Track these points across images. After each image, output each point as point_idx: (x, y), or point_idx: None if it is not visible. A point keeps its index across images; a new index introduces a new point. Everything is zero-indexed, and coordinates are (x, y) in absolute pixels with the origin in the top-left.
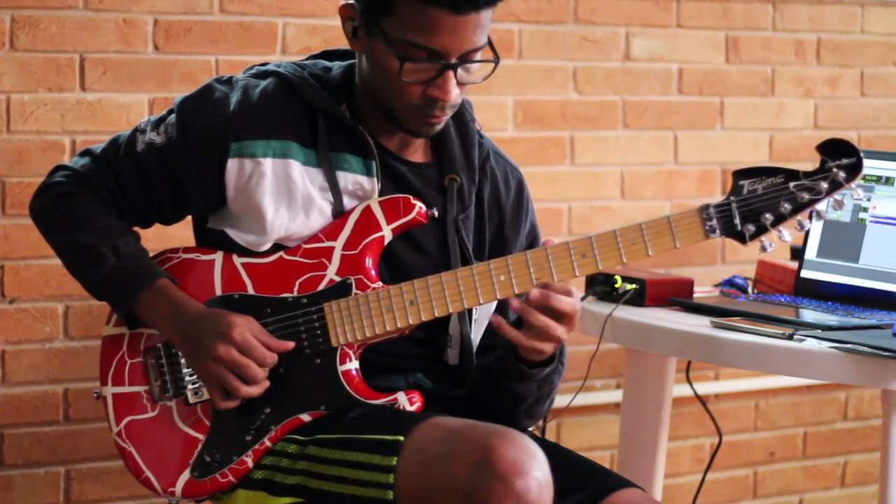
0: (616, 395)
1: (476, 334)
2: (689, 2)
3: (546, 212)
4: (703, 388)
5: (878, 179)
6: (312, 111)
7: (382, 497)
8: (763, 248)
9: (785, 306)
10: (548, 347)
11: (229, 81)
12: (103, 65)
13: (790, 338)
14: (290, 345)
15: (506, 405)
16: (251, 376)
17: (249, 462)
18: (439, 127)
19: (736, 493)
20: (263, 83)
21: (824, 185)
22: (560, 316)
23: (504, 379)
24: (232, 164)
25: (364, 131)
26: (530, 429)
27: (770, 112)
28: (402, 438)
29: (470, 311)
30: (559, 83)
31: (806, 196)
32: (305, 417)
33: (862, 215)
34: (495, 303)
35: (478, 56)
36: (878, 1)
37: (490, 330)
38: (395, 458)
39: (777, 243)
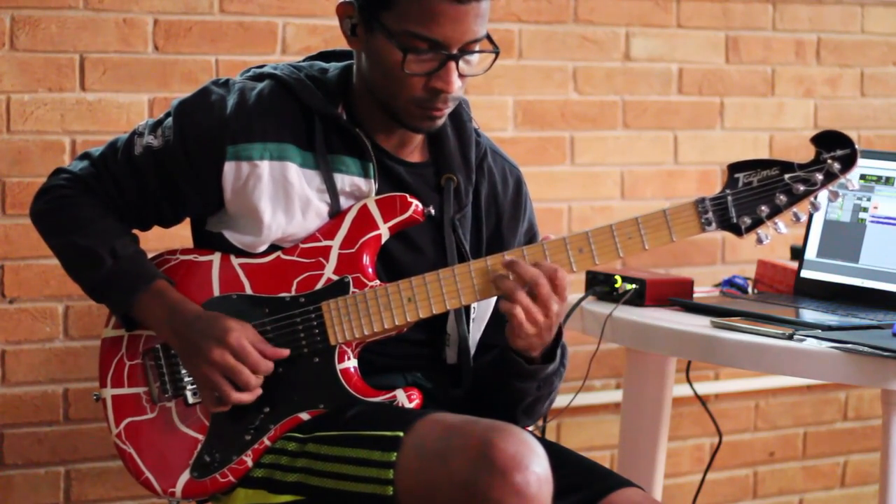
0: (616, 395)
1: (475, 333)
2: (689, 2)
3: (546, 212)
4: (703, 388)
5: (878, 179)
6: (309, 113)
7: (382, 493)
8: (759, 241)
9: (785, 306)
10: (527, 325)
11: (226, 84)
12: (103, 65)
13: (790, 338)
14: (286, 352)
15: (505, 403)
16: (244, 382)
17: (249, 461)
18: (440, 122)
19: (736, 493)
20: (260, 86)
21: (819, 176)
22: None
23: (504, 376)
24: (229, 167)
25: (361, 133)
26: (530, 428)
27: (770, 112)
28: (401, 434)
29: (468, 310)
30: (559, 83)
31: (801, 188)
32: (304, 416)
33: (862, 215)
34: (494, 302)
35: (478, 47)
36: (878, 1)
37: (490, 328)
38: (395, 454)
39: (773, 236)
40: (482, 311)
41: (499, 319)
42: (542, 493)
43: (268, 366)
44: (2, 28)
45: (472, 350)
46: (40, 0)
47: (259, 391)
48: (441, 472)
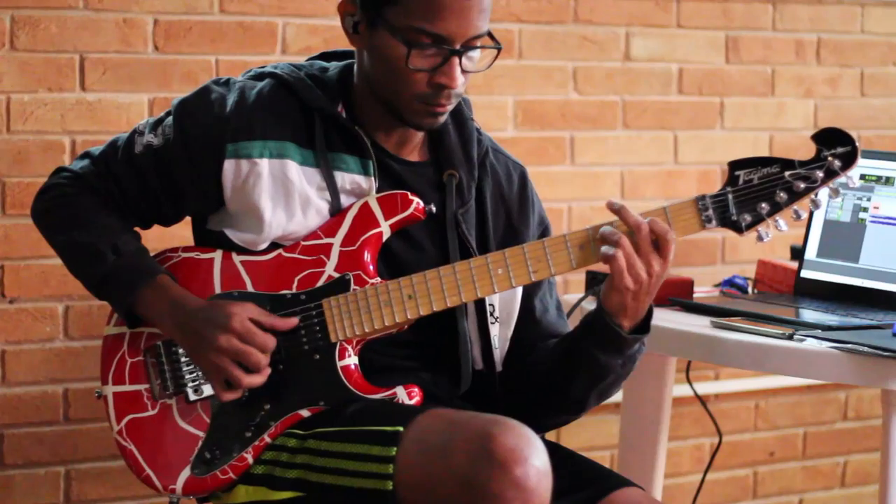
0: (616, 395)
1: (505, 333)
2: (689, 2)
3: (546, 212)
4: (703, 388)
5: (878, 179)
6: (309, 112)
7: (382, 487)
8: (759, 238)
9: (785, 306)
10: (627, 278)
11: (227, 83)
12: (103, 65)
13: (790, 338)
14: (294, 321)
15: (583, 383)
16: (254, 364)
17: (249, 458)
18: (442, 118)
19: (736, 493)
20: (260, 84)
21: (819, 173)
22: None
23: (591, 350)
24: (228, 165)
25: (360, 131)
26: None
27: (770, 112)
28: (401, 429)
29: (482, 311)
30: (559, 83)
31: (801, 185)
32: (305, 413)
33: (862, 215)
34: (519, 300)
35: (479, 43)
36: (878, 1)
37: (522, 325)
38: (395, 449)
39: (774, 233)
40: (508, 312)
41: (529, 314)
42: (542, 486)
43: (274, 342)
44: (2, 28)
45: (501, 353)
46: (40, 0)
47: (268, 371)
48: (441, 466)
